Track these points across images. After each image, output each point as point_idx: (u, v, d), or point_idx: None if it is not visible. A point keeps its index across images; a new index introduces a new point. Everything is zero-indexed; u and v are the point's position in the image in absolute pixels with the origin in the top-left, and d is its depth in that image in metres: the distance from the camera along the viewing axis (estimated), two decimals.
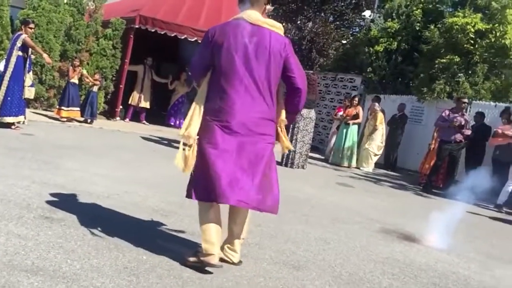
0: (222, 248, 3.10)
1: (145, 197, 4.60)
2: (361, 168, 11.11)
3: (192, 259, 2.92)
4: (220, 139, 2.90)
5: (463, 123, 8.58)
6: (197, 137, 2.95)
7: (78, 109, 10.10)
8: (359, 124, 11.51)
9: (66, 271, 2.57)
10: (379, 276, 3.41)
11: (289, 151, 9.02)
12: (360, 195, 7.45)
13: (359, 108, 11.39)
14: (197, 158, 2.94)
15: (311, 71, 14.28)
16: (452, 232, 4.66)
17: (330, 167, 10.60)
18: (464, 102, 8.86)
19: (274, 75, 2.99)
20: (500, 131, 8.85)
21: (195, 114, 3.00)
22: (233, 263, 3.07)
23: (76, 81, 10.11)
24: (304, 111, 9.09)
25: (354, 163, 11.11)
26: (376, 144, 11.37)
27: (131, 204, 4.27)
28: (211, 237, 2.89)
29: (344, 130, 11.17)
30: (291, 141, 8.03)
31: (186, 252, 3.04)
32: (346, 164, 11.03)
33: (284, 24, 17.51)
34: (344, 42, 18.52)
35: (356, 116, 11.18)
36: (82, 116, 10.20)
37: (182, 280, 2.71)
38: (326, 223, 4.86)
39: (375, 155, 11.42)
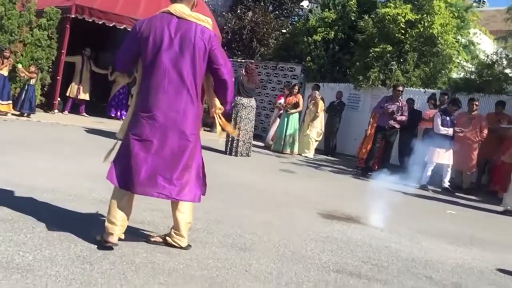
0: (169, 235, 3.25)
1: (91, 189, 4.62)
2: (302, 154, 11.50)
3: (98, 237, 3.08)
4: (144, 131, 3.01)
5: (394, 110, 9.08)
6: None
7: (4, 101, 9.70)
8: (300, 112, 11.87)
9: (20, 263, 2.63)
10: (319, 253, 3.68)
11: (233, 139, 9.32)
12: (302, 180, 7.78)
13: (299, 97, 11.72)
14: (122, 146, 3.10)
15: (251, 61, 14.49)
16: (386, 210, 5.04)
17: (273, 155, 10.90)
18: (399, 90, 9.33)
19: (199, 68, 3.08)
20: (431, 114, 9.46)
21: (131, 108, 3.19)
22: (181, 248, 3.23)
23: (5, 73, 9.75)
24: (245, 100, 9.29)
25: (296, 150, 11.47)
26: (316, 131, 11.80)
27: (77, 196, 4.30)
28: (115, 219, 3.03)
29: (286, 118, 11.47)
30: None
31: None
32: (288, 151, 11.37)
33: (224, 13, 17.63)
34: (283, 31, 18.81)
35: (296, 105, 11.50)
36: (19, 110, 9.90)
37: (135, 265, 2.84)
38: (270, 208, 5.11)
39: (316, 141, 11.87)
